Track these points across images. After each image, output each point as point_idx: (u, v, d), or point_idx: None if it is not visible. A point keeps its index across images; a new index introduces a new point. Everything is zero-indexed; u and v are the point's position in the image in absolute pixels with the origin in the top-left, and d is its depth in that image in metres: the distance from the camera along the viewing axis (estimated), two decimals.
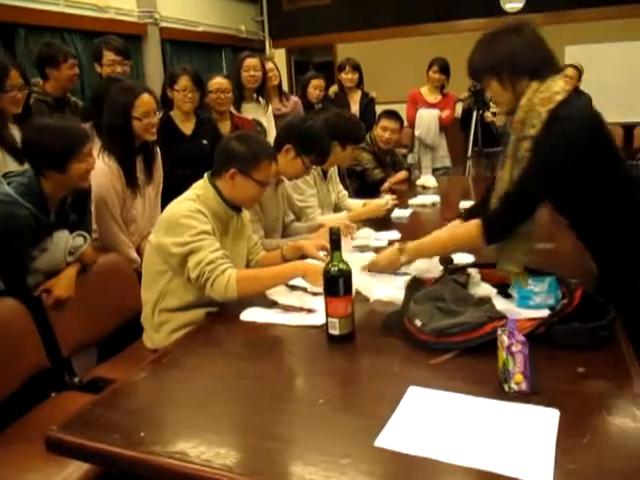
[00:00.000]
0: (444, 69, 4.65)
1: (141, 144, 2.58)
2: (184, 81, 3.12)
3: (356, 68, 4.56)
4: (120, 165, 2.50)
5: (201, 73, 3.34)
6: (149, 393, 1.41)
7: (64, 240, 2.16)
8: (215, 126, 3.30)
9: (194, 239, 1.83)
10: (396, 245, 1.85)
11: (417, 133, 4.71)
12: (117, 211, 2.52)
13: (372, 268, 1.92)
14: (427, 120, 4.65)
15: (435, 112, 4.66)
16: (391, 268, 1.87)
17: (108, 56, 3.32)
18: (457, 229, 1.86)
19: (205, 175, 2.03)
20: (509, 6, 8.57)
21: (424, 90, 4.78)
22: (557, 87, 1.61)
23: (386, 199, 3.04)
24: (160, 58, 7.02)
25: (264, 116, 3.85)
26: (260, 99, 3.87)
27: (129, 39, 4.63)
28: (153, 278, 1.97)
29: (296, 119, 2.69)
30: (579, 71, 4.71)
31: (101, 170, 2.42)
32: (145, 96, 2.50)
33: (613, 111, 7.23)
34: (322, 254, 2.01)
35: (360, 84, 4.61)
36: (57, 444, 1.21)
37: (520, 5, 8.53)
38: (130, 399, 1.37)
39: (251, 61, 3.73)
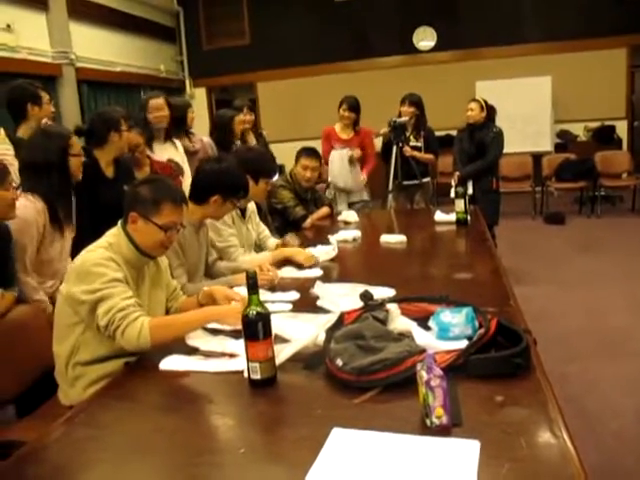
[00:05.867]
0: (353, 107, 4.73)
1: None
2: (125, 125, 3.04)
3: (251, 109, 4.65)
4: (48, 204, 2.47)
5: None
6: (59, 457, 1.32)
7: None
8: (132, 170, 3.22)
9: (105, 286, 1.76)
10: None
11: (329, 178, 4.75)
12: (28, 254, 2.42)
13: None
14: (338, 163, 4.67)
15: (344, 152, 4.71)
16: None
17: (45, 96, 3.19)
18: None
19: (119, 222, 1.97)
20: (422, 44, 8.99)
21: (337, 127, 4.84)
22: None
23: (315, 254, 2.88)
24: (77, 99, 6.86)
25: (178, 154, 3.81)
26: (174, 139, 3.84)
27: (43, 80, 4.47)
28: (65, 331, 1.87)
29: (211, 165, 2.60)
30: (480, 104, 4.93)
31: (25, 208, 2.39)
32: (74, 137, 2.61)
33: (523, 141, 7.72)
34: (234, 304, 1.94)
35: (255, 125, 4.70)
36: None
37: (432, 43, 8.96)
38: (38, 466, 1.28)
39: (154, 102, 3.73)
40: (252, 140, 4.63)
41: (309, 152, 3.93)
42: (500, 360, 1.46)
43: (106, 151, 2.97)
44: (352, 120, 4.79)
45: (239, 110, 4.55)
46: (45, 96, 3.17)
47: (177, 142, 3.90)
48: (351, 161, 4.72)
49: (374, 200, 5.00)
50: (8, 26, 5.91)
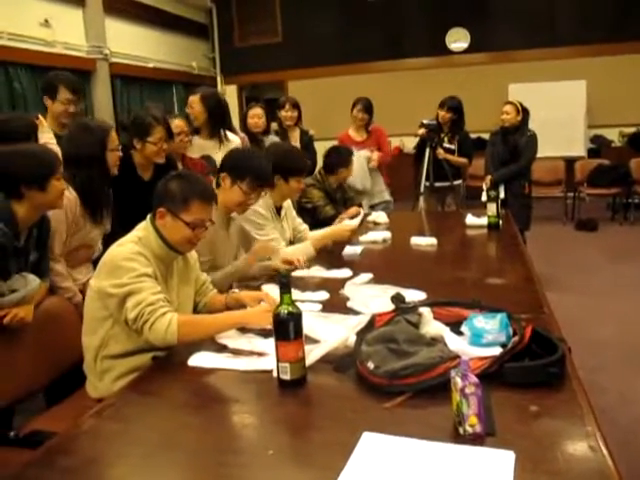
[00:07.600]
0: (367, 108, 4.70)
1: None
2: (159, 132, 2.91)
3: (295, 106, 4.55)
4: (82, 195, 2.49)
5: None
6: (88, 449, 1.32)
7: (34, 286, 2.13)
8: (176, 167, 3.18)
9: (134, 281, 1.76)
10: None
11: (348, 180, 4.70)
12: (59, 242, 2.44)
13: None
14: (356, 165, 4.47)
15: (362, 153, 4.62)
16: None
17: (64, 94, 3.13)
18: None
19: (148, 216, 1.97)
20: (454, 46, 8.89)
21: (351, 131, 4.80)
22: None
23: (348, 223, 2.99)
24: (110, 94, 6.94)
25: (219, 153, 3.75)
26: (222, 133, 3.76)
27: (77, 74, 4.53)
28: (94, 324, 1.88)
29: (231, 150, 2.68)
30: (516, 107, 4.85)
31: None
32: (113, 132, 2.64)
33: (555, 146, 7.58)
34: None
35: (298, 122, 4.61)
36: None
37: (465, 45, 8.86)
38: (67, 457, 1.28)
39: (190, 99, 3.76)
40: (295, 137, 4.58)
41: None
42: (535, 369, 1.42)
43: (136, 154, 2.97)
44: (365, 121, 4.76)
45: (282, 106, 4.54)
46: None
47: (235, 139, 3.80)
48: (369, 161, 4.67)
49: (404, 201, 4.94)
50: (46, 21, 6.02)
